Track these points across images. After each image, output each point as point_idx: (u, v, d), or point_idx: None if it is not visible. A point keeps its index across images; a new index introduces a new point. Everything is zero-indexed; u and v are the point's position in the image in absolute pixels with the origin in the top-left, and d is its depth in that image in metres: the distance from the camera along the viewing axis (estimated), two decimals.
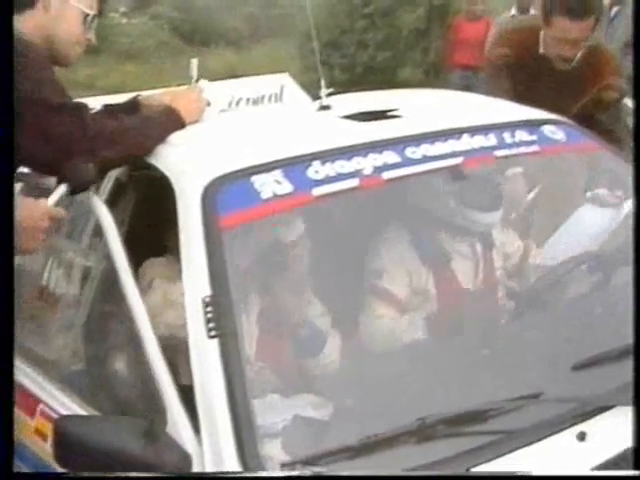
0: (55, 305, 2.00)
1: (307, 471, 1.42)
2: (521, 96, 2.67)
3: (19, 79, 1.87)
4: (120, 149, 1.94)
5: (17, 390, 1.89)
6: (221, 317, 1.56)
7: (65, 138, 1.89)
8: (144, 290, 1.82)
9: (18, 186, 2.22)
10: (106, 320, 1.89)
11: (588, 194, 2.56)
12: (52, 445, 1.46)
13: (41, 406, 1.85)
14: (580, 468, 1.47)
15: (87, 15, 2.14)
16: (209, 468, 1.45)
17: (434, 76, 9.80)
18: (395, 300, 2.08)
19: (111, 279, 1.78)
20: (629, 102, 3.25)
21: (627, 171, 2.16)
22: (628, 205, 2.39)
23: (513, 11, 7.07)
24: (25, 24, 2.05)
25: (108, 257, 1.82)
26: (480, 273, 2.25)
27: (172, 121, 2.10)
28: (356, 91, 3.05)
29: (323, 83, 2.40)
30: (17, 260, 2.30)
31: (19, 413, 1.87)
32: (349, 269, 2.00)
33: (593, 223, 2.47)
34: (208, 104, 2.33)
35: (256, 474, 1.44)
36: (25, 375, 1.96)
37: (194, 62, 2.40)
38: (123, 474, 1.41)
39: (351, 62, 10.04)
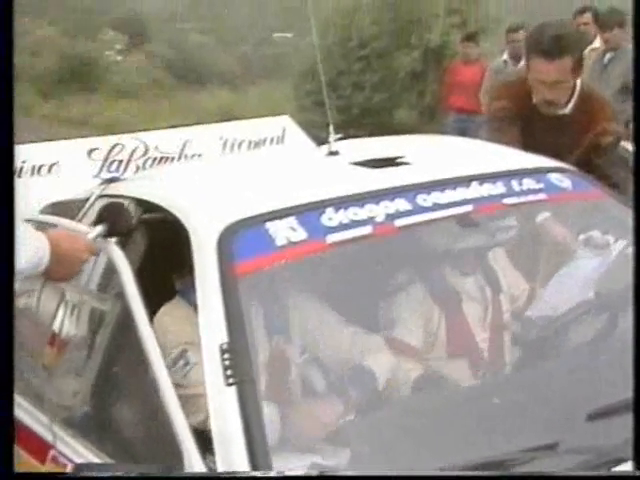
0: (66, 350, 1.99)
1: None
2: (522, 145, 2.71)
3: None
4: None
5: (29, 435, 1.90)
6: (239, 364, 1.57)
7: None
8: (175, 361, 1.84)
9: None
10: (120, 365, 1.89)
11: (581, 237, 2.59)
12: None
13: (52, 452, 1.84)
14: None
15: None
16: None
17: (429, 118, 9.92)
18: (411, 351, 2.10)
19: (126, 323, 1.78)
20: (629, 146, 3.33)
21: (629, 217, 2.19)
22: (618, 246, 2.43)
23: (505, 56, 7.16)
24: None
25: (122, 300, 1.83)
26: (489, 316, 2.27)
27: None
28: (355, 134, 3.09)
29: (332, 128, 2.43)
30: (25, 304, 2.31)
31: (30, 459, 1.87)
32: (363, 315, 2.01)
33: (586, 266, 2.50)
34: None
35: (259, 474, 1.43)
36: (36, 421, 1.95)
37: None
38: (123, 474, 1.41)
39: (347, 103, 10.15)
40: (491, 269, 2.36)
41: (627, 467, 1.52)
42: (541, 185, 2.27)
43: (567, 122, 3.06)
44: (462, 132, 6.73)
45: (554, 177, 2.34)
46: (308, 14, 2.85)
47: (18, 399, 1.99)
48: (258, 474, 1.45)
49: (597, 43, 6.17)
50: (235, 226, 1.82)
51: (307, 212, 1.90)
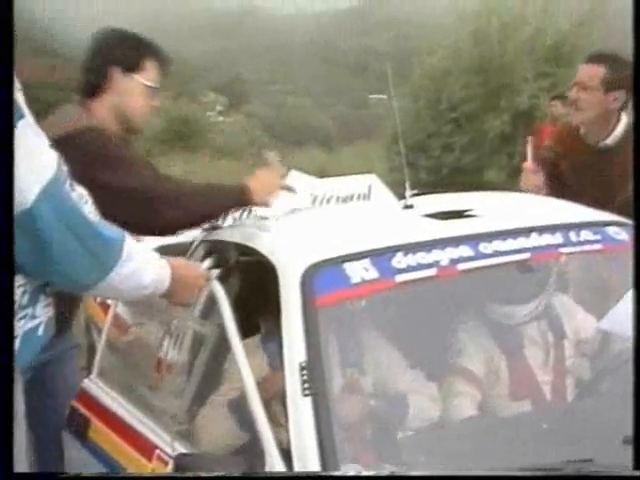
0: (171, 372, 2.29)
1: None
2: (565, 186, 2.89)
3: (87, 163, 2.32)
4: (183, 212, 2.31)
5: (138, 437, 2.22)
6: (314, 379, 1.85)
7: (136, 204, 2.31)
8: None
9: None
10: (215, 381, 2.20)
11: None
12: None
13: (157, 452, 2.15)
14: None
15: (149, 87, 2.61)
16: None
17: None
18: (473, 378, 2.32)
19: (221, 350, 2.09)
20: None
21: None
22: None
23: None
24: (99, 107, 2.56)
25: (220, 329, 2.14)
26: (551, 361, 2.43)
27: (239, 195, 2.44)
28: (440, 192, 3.34)
29: (408, 185, 2.70)
30: (137, 333, 2.65)
31: (138, 456, 2.19)
32: (429, 348, 2.26)
33: None
34: (291, 190, 2.65)
35: (269, 474, 1.68)
36: (145, 426, 2.28)
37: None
38: (123, 474, 1.66)
39: (437, 164, 10.41)
40: (555, 315, 2.51)
41: None
42: (598, 237, 2.44)
43: (612, 158, 3.25)
44: None
45: (612, 230, 2.50)
46: (389, 79, 3.14)
47: (130, 408, 2.32)
48: (270, 474, 1.69)
49: None
50: (317, 265, 2.11)
51: (379, 255, 2.16)
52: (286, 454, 1.80)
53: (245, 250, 2.37)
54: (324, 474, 1.70)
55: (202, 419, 2.19)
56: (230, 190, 2.45)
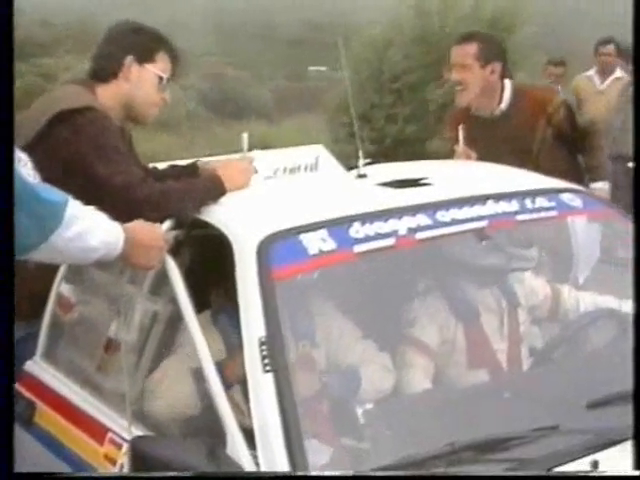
0: (121, 352, 2.19)
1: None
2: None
3: (83, 142, 2.29)
4: (163, 213, 2.24)
5: (88, 421, 2.13)
6: (275, 354, 1.79)
7: (117, 200, 2.23)
8: None
9: None
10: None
11: None
12: (128, 460, 1.68)
13: (110, 435, 2.07)
14: None
15: (161, 78, 2.55)
16: None
17: None
18: (426, 349, 2.29)
19: (175, 321, 2.01)
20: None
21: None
22: None
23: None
24: (106, 92, 2.50)
25: (172, 304, 2.06)
26: (505, 327, 2.44)
27: (213, 188, 2.37)
28: (387, 162, 3.31)
29: (361, 154, 2.65)
30: (81, 311, 2.54)
31: (90, 442, 2.10)
32: (385, 319, 2.22)
33: None
34: (255, 172, 2.61)
35: (264, 474, 1.64)
36: (95, 408, 2.19)
37: (245, 136, 2.70)
38: (122, 474, 1.60)
39: (380, 135, 10.38)
40: (507, 281, 2.52)
41: (614, 450, 1.70)
42: (553, 203, 2.45)
43: (511, 118, 3.42)
44: None
45: (566, 197, 2.51)
46: (340, 51, 3.08)
47: (78, 390, 2.23)
48: (265, 474, 1.65)
49: (619, 73, 6.38)
50: (272, 237, 2.04)
51: (336, 226, 2.11)
52: (247, 433, 1.74)
53: (197, 223, 2.29)
54: (297, 474, 1.64)
55: (162, 374, 2.12)
56: (206, 186, 2.38)
